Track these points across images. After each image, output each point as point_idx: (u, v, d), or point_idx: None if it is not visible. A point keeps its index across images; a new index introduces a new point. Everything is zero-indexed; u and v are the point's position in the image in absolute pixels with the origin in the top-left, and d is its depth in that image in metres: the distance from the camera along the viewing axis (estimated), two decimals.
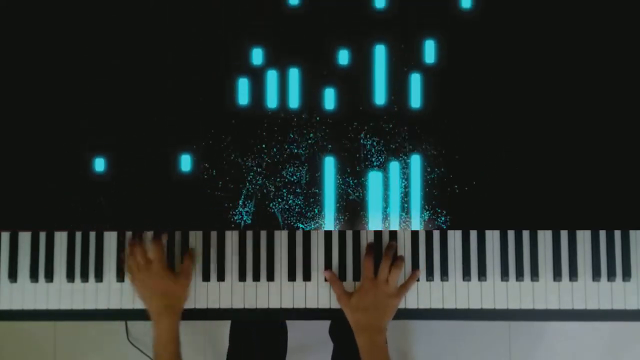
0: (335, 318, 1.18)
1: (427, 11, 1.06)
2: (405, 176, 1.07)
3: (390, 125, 1.06)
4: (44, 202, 1.07)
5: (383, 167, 1.07)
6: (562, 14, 1.06)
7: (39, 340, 1.88)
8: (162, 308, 1.11)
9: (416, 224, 1.07)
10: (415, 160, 1.07)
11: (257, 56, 1.05)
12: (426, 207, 1.07)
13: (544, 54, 1.06)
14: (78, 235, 1.20)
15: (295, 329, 1.49)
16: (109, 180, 1.07)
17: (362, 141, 1.07)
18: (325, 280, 1.18)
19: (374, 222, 1.07)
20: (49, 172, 1.07)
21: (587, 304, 1.17)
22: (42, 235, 1.20)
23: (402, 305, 1.18)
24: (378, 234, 1.20)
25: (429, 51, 1.06)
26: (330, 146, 1.06)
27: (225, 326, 1.49)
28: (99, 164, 1.06)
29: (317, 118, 1.06)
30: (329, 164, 1.06)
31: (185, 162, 1.05)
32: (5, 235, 1.20)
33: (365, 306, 1.13)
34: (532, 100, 1.06)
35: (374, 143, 1.06)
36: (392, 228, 1.06)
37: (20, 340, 1.89)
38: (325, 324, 1.59)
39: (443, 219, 1.07)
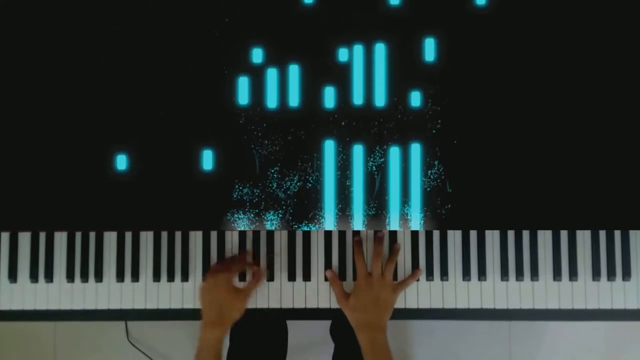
0: (335, 318, 1.18)
1: (434, 8, 1.06)
2: (405, 177, 1.07)
3: (391, 125, 1.06)
4: (44, 202, 1.07)
5: (383, 167, 1.07)
6: (567, 17, 1.06)
7: (39, 340, 1.88)
8: (215, 317, 1.12)
9: (416, 223, 1.06)
10: (415, 162, 1.07)
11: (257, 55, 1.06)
12: (426, 206, 1.06)
13: (545, 55, 1.06)
14: (78, 235, 1.20)
15: (295, 329, 1.48)
16: (112, 179, 1.07)
17: (358, 141, 1.07)
18: (326, 279, 1.18)
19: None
20: (49, 172, 1.07)
21: (587, 304, 1.17)
22: (42, 235, 1.20)
23: (402, 305, 1.18)
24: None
25: (429, 50, 1.06)
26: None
27: None
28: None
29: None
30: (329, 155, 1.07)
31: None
32: (5, 235, 1.20)
33: (364, 305, 1.13)
34: (532, 100, 1.06)
35: (374, 143, 1.06)
36: (392, 228, 1.06)
37: (20, 340, 1.89)
38: (326, 324, 1.59)
39: (443, 218, 1.06)
